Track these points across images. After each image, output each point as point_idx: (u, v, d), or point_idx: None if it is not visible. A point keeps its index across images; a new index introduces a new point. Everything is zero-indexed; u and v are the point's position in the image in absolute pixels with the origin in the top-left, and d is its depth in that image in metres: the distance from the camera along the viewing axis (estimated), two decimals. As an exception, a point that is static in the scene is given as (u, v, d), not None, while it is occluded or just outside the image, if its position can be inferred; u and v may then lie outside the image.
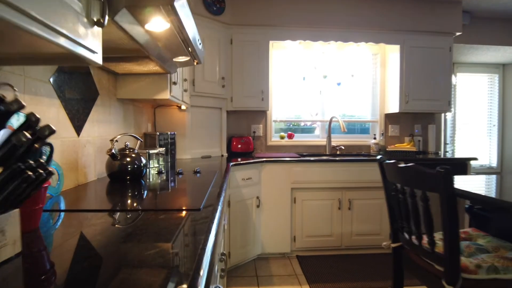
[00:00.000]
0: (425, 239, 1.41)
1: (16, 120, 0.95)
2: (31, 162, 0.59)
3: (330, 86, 3.52)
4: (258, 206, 2.67)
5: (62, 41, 0.66)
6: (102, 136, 1.69)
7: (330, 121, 3.36)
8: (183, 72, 2.38)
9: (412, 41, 3.19)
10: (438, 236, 1.52)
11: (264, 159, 2.69)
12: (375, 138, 3.47)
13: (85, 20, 0.76)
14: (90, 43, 0.79)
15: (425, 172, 1.29)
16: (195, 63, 1.76)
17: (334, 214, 2.79)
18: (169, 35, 1.25)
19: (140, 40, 1.21)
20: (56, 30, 0.63)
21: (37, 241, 0.72)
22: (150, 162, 1.98)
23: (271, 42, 3.16)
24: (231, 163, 2.34)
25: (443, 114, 3.71)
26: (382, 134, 3.51)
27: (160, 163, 2.13)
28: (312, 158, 2.79)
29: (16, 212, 0.62)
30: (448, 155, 3.22)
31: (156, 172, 1.86)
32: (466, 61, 4.15)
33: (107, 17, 0.84)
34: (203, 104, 2.85)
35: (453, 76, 3.36)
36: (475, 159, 2.93)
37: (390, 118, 3.56)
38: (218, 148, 3.07)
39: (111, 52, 1.33)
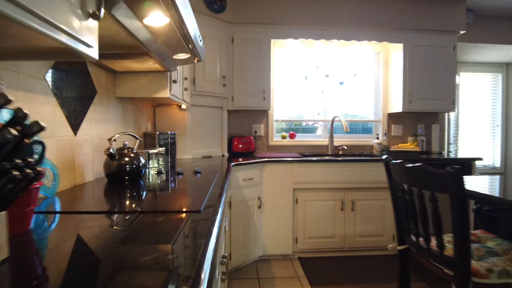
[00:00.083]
0: (433, 242, 1.37)
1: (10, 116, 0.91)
2: (18, 161, 0.54)
3: (332, 85, 3.48)
4: (259, 207, 2.63)
5: (54, 33, 0.62)
6: (100, 135, 1.65)
7: (332, 121, 3.31)
8: (183, 70, 2.34)
9: (416, 39, 3.15)
10: (446, 238, 1.47)
11: (266, 159, 2.65)
12: (378, 138, 3.42)
13: (80, 12, 0.73)
14: (85, 36, 0.75)
15: (434, 172, 1.25)
16: (195, 61, 1.72)
17: (337, 215, 2.74)
18: (168, 30, 1.21)
19: (139, 35, 1.17)
20: (48, 21, 0.59)
21: (27, 245, 0.68)
22: (150, 162, 1.94)
23: (272, 41, 3.11)
24: (232, 163, 2.30)
25: (446, 114, 3.66)
26: (385, 134, 3.47)
27: (160, 163, 2.09)
28: (314, 158, 2.74)
29: (2, 214, 0.58)
30: (452, 155, 3.17)
31: (156, 172, 1.82)
32: (470, 60, 4.10)
33: (103, 10, 0.80)
34: (203, 103, 2.81)
35: (456, 76, 3.31)
36: (480, 159, 2.89)
37: (393, 118, 3.52)
38: (219, 148, 3.02)
39: (109, 48, 1.29)
